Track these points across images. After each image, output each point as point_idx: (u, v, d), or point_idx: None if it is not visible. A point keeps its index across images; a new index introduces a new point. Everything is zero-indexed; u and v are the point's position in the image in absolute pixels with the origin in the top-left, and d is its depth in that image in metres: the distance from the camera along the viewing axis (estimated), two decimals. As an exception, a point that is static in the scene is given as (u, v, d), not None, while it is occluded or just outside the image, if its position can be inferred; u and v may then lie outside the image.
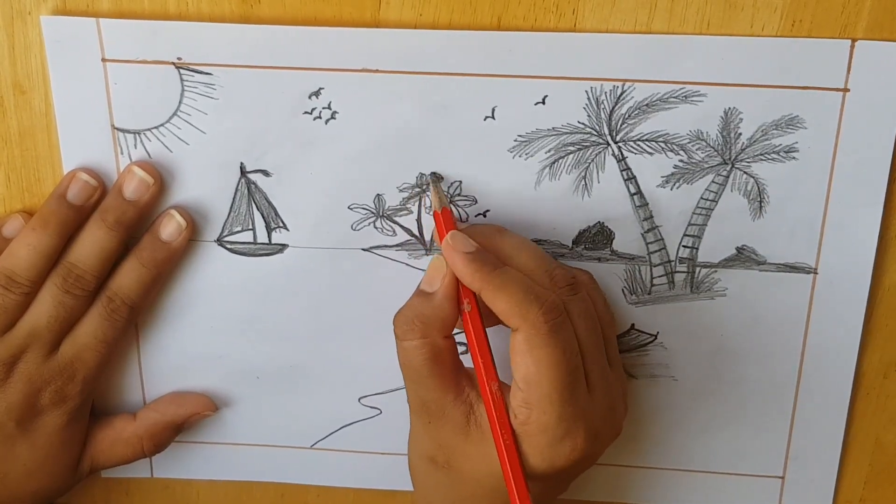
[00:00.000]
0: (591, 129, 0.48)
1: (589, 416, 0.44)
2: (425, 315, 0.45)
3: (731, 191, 0.49)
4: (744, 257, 0.50)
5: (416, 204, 0.50)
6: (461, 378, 0.46)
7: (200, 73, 0.47)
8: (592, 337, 0.45)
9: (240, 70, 0.47)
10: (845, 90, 0.46)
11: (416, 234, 0.50)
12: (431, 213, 0.48)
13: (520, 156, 0.48)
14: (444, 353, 0.45)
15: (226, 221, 0.50)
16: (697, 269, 0.51)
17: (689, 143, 0.48)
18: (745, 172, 0.48)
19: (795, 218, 0.49)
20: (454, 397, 0.45)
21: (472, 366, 0.46)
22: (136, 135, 0.48)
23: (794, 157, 0.48)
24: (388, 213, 0.50)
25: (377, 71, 0.47)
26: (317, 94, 0.47)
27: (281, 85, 0.47)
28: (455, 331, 0.46)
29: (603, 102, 0.47)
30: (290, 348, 0.53)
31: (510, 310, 0.43)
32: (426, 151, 0.48)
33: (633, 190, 0.49)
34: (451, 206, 0.49)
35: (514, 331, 0.43)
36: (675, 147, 0.48)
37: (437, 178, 0.48)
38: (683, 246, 0.50)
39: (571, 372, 0.43)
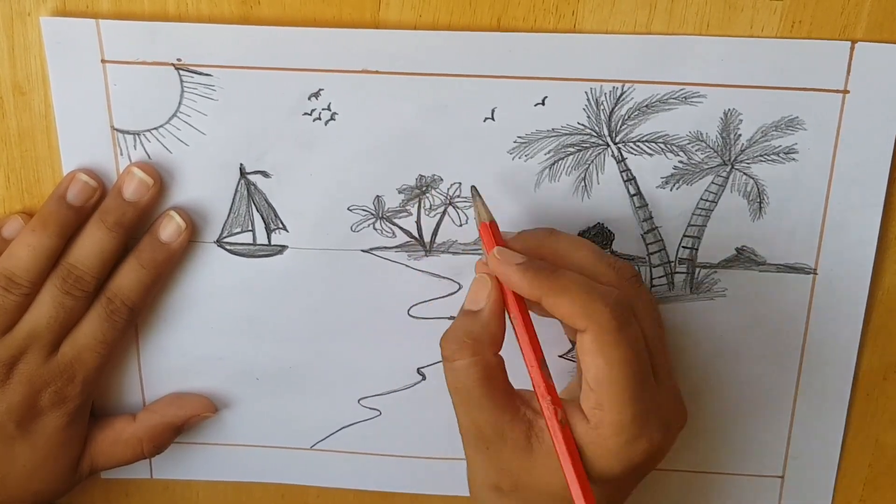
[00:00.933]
0: (591, 130, 0.48)
1: (660, 409, 0.43)
2: (475, 333, 0.44)
3: (731, 192, 0.49)
4: (743, 258, 0.50)
5: (416, 205, 0.50)
6: (514, 398, 0.45)
7: (200, 74, 0.47)
8: (657, 328, 0.44)
9: (239, 71, 0.47)
10: (845, 91, 0.46)
11: (416, 235, 0.50)
12: (477, 225, 0.47)
13: (519, 157, 0.48)
14: (497, 372, 0.44)
15: (225, 222, 0.50)
16: (697, 269, 0.51)
17: (688, 144, 0.48)
18: (744, 173, 0.48)
19: (795, 219, 0.49)
20: (511, 417, 0.44)
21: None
22: (136, 136, 0.48)
23: (793, 159, 0.48)
24: (388, 214, 0.50)
25: (377, 72, 0.47)
26: (316, 95, 0.47)
27: (280, 86, 0.47)
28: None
29: (603, 103, 0.47)
30: (289, 349, 0.53)
31: (574, 311, 0.42)
32: (426, 153, 0.48)
33: (632, 191, 0.49)
34: (494, 218, 0.47)
35: (580, 332, 0.42)
36: (674, 148, 0.48)
37: (476, 190, 0.47)
38: (683, 247, 0.50)
39: (643, 369, 0.42)
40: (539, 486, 0.45)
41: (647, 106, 0.47)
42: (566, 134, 0.48)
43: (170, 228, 0.49)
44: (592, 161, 0.48)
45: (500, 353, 0.45)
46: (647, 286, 0.49)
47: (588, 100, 0.47)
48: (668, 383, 0.45)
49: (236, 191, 0.50)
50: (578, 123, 0.48)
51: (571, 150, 0.48)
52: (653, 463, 0.45)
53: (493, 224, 0.46)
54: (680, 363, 0.53)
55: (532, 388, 0.44)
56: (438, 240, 0.50)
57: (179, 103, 0.48)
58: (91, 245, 0.48)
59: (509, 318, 0.45)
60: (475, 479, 0.47)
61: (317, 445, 0.56)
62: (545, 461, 0.44)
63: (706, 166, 0.48)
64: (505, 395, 0.44)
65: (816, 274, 0.50)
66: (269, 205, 0.50)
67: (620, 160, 0.48)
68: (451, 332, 0.44)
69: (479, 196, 0.47)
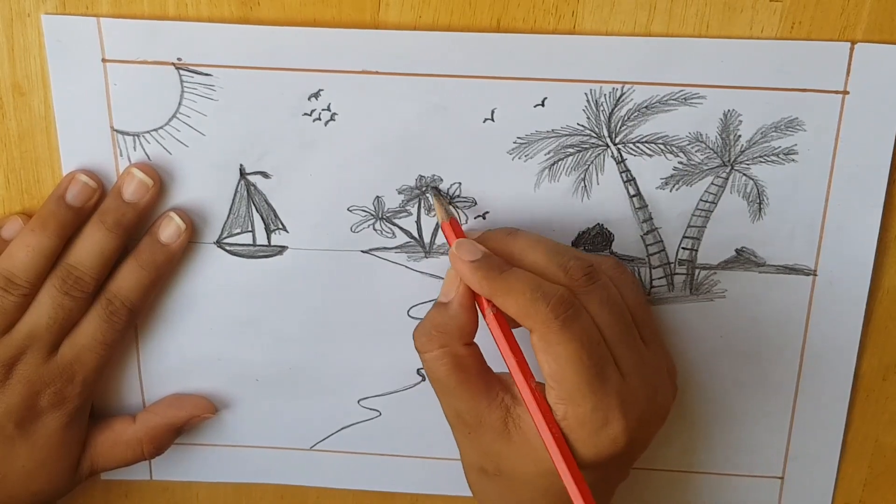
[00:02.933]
0: (591, 130, 0.48)
1: (627, 402, 0.43)
2: (442, 324, 0.45)
3: (731, 193, 0.49)
4: (743, 259, 0.50)
5: (416, 206, 0.50)
6: (492, 383, 0.46)
7: (200, 73, 0.47)
8: (618, 323, 0.44)
9: (239, 71, 0.47)
10: (845, 92, 0.46)
11: (416, 236, 0.50)
12: (439, 224, 0.48)
13: (519, 158, 0.48)
14: (467, 361, 0.45)
15: (225, 223, 0.50)
16: (697, 270, 0.51)
17: (688, 144, 0.48)
18: (744, 174, 0.48)
19: (795, 220, 0.49)
20: (487, 403, 0.45)
21: (502, 371, 0.46)
22: (136, 137, 0.48)
23: (793, 160, 0.48)
24: (388, 214, 0.50)
25: (377, 72, 0.47)
26: (316, 95, 0.47)
27: (280, 86, 0.47)
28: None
29: (602, 104, 0.47)
30: (289, 350, 0.53)
31: (519, 311, 0.43)
32: (426, 153, 0.48)
33: (632, 192, 0.49)
34: (456, 212, 0.49)
35: (530, 331, 0.43)
36: (674, 149, 0.48)
37: (437, 190, 0.48)
38: (683, 248, 0.50)
39: (596, 362, 0.43)
40: (518, 469, 0.45)
41: (646, 107, 0.47)
42: (566, 135, 0.48)
43: (169, 229, 0.49)
44: (592, 162, 0.48)
45: (477, 340, 0.46)
46: (622, 272, 0.48)
47: (588, 101, 0.47)
48: (640, 376, 0.45)
49: (236, 191, 0.50)
50: (578, 124, 0.48)
51: (571, 150, 0.48)
52: (628, 454, 0.45)
53: (453, 221, 0.47)
54: (679, 364, 0.52)
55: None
56: (438, 241, 0.50)
57: (179, 103, 0.48)
58: (90, 246, 0.48)
59: (479, 309, 0.46)
60: (464, 460, 0.48)
61: (316, 446, 0.56)
62: (522, 446, 0.45)
63: (706, 167, 0.48)
64: (480, 381, 0.45)
65: (816, 275, 0.50)
66: (269, 205, 0.50)
67: (620, 161, 0.48)
68: (421, 324, 0.46)
69: (439, 196, 0.48)
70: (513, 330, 0.45)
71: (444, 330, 0.45)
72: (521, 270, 0.44)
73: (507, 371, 0.45)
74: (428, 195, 0.49)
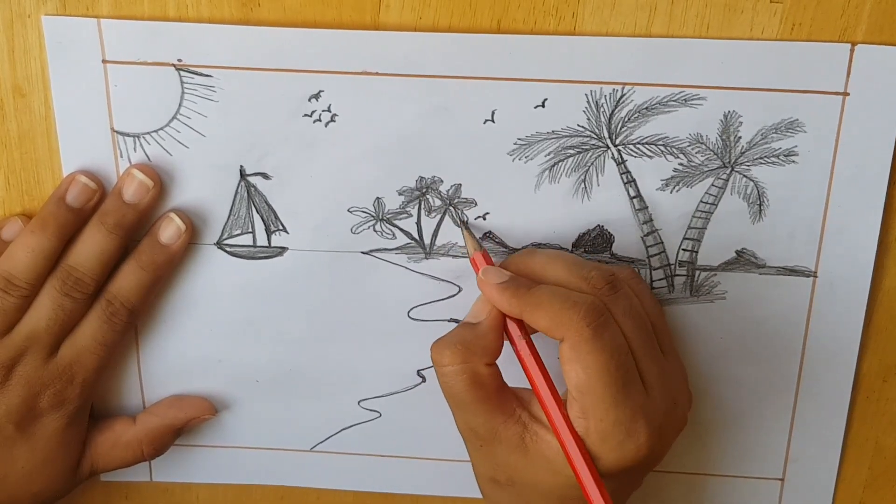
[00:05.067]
0: (591, 132, 0.48)
1: (649, 414, 0.43)
2: (467, 340, 0.45)
3: (731, 194, 0.49)
4: (743, 261, 0.50)
5: (416, 207, 0.50)
6: (508, 399, 0.46)
7: (200, 74, 0.47)
8: (641, 333, 0.45)
9: (240, 72, 0.47)
10: (845, 94, 0.46)
11: (416, 237, 0.50)
12: (468, 258, 0.48)
13: (519, 159, 0.48)
14: (486, 379, 0.45)
15: (225, 224, 0.50)
16: (697, 272, 0.51)
17: (688, 146, 0.48)
18: (744, 176, 0.48)
19: (795, 221, 0.49)
20: (504, 420, 0.45)
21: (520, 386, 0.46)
22: (136, 138, 0.48)
23: (793, 161, 0.48)
24: (388, 216, 0.50)
25: (377, 74, 0.47)
26: (316, 96, 0.47)
27: (281, 87, 0.47)
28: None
29: (603, 106, 0.47)
30: (289, 351, 0.53)
31: (551, 322, 0.43)
32: (426, 154, 0.48)
33: (632, 193, 0.49)
34: (482, 246, 0.49)
35: (560, 342, 0.43)
36: (674, 150, 0.48)
37: (466, 224, 0.49)
38: (683, 249, 0.50)
39: (624, 373, 0.43)
40: (533, 483, 0.45)
41: (647, 108, 0.47)
42: (566, 136, 0.48)
43: (170, 230, 0.49)
44: (592, 163, 0.48)
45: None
46: (639, 281, 0.49)
47: (588, 102, 0.47)
48: (661, 388, 0.45)
49: (236, 192, 0.50)
50: (578, 125, 0.48)
51: (571, 152, 0.48)
52: (649, 462, 0.45)
53: (483, 254, 0.48)
54: (680, 366, 0.53)
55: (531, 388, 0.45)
56: (438, 242, 0.50)
57: (179, 105, 0.48)
58: (91, 247, 0.48)
59: (508, 336, 0.46)
60: (476, 469, 0.48)
61: (317, 447, 0.56)
62: (538, 459, 0.45)
63: (706, 168, 0.48)
64: (497, 397, 0.45)
65: (816, 276, 0.50)
66: (270, 206, 0.50)
67: (620, 162, 0.48)
68: (445, 338, 0.46)
69: (468, 229, 0.49)
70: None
71: (469, 346, 0.45)
72: (548, 285, 0.45)
73: (523, 387, 0.46)
74: (461, 228, 0.49)
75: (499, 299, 0.45)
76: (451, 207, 0.49)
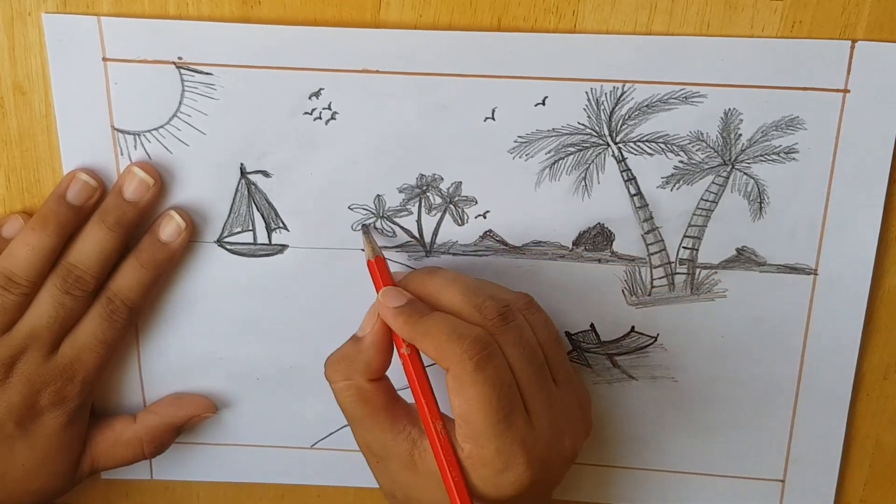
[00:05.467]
0: (591, 130, 0.48)
1: (529, 446, 0.44)
2: (350, 357, 0.46)
3: (732, 192, 0.49)
4: (744, 258, 0.50)
5: (416, 205, 0.50)
6: (399, 416, 0.46)
7: (201, 72, 0.47)
8: (530, 364, 0.45)
9: (240, 70, 0.47)
10: (845, 91, 0.46)
11: (416, 235, 0.50)
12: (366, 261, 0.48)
13: (520, 157, 0.48)
14: (372, 395, 0.46)
15: (226, 222, 0.50)
16: (698, 270, 0.51)
17: (689, 143, 0.48)
18: (745, 173, 0.48)
19: (796, 219, 0.49)
20: (393, 436, 0.46)
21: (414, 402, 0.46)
22: (136, 136, 0.48)
23: (794, 158, 0.48)
24: (388, 213, 0.50)
25: (377, 71, 0.47)
26: (317, 94, 0.47)
27: (281, 85, 0.47)
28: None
29: (603, 103, 0.47)
30: (290, 349, 0.53)
31: (436, 353, 0.44)
32: (426, 152, 0.48)
33: (633, 191, 0.49)
34: (383, 252, 0.49)
35: (446, 371, 0.44)
36: (675, 148, 0.48)
37: (367, 228, 0.49)
38: (683, 247, 0.50)
39: (506, 405, 0.43)
40: (426, 500, 0.46)
41: (647, 106, 0.47)
42: (566, 134, 0.48)
43: (170, 228, 0.49)
44: (593, 161, 0.48)
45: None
46: (534, 311, 0.47)
47: (588, 100, 0.47)
48: (547, 419, 0.45)
49: (237, 190, 0.50)
50: (579, 123, 0.48)
51: (572, 149, 0.48)
52: (531, 494, 0.45)
53: (378, 260, 0.48)
54: (680, 364, 0.53)
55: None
56: (439, 240, 0.50)
57: (180, 103, 0.48)
58: (91, 245, 0.48)
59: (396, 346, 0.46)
60: (379, 485, 0.49)
61: (317, 444, 0.56)
62: (428, 478, 0.45)
63: (706, 166, 0.48)
64: (387, 414, 0.46)
65: (817, 274, 0.50)
66: (270, 204, 0.50)
67: (621, 160, 0.48)
68: (334, 354, 0.47)
69: (369, 233, 0.49)
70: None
71: (350, 363, 0.46)
72: (442, 314, 0.45)
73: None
74: (362, 230, 0.50)
75: (393, 323, 0.45)
76: (451, 205, 0.49)
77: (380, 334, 0.46)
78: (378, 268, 0.47)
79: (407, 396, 0.47)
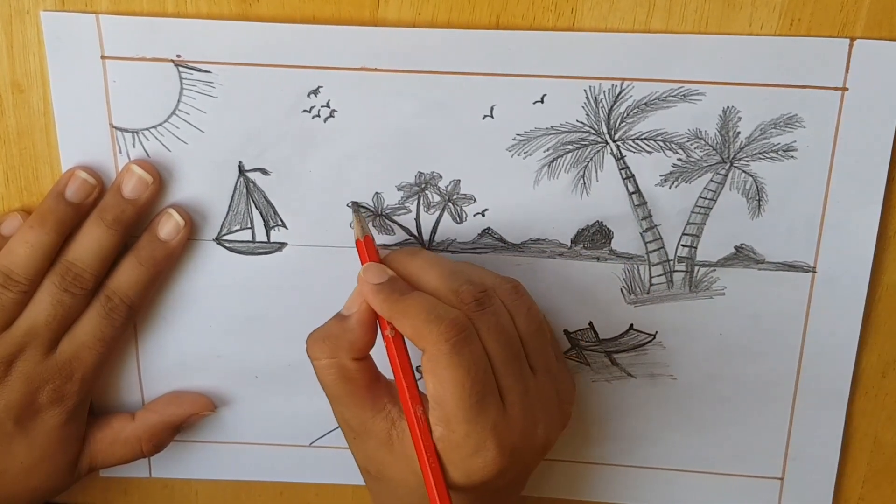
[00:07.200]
0: (590, 127, 0.48)
1: (500, 433, 0.44)
2: (335, 336, 0.46)
3: (730, 190, 0.49)
4: (742, 256, 0.50)
5: (415, 203, 0.50)
6: (380, 394, 0.46)
7: (199, 70, 0.47)
8: (506, 351, 0.45)
9: (239, 68, 0.47)
10: (844, 89, 0.47)
11: (415, 233, 0.50)
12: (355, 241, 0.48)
13: (518, 154, 0.48)
14: (355, 374, 0.46)
15: (224, 220, 0.50)
16: (696, 268, 0.51)
17: (687, 141, 0.48)
18: (743, 171, 0.48)
19: (794, 217, 0.49)
20: (373, 414, 0.46)
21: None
22: (135, 134, 0.48)
23: (792, 156, 0.48)
24: (387, 211, 0.50)
25: (376, 69, 0.47)
26: (315, 92, 0.47)
27: (280, 83, 0.47)
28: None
29: (601, 101, 0.47)
30: (288, 347, 0.53)
31: (413, 333, 0.44)
32: (425, 150, 0.48)
33: (631, 189, 0.49)
34: (373, 231, 0.49)
35: (422, 353, 0.44)
36: (673, 146, 0.48)
37: (357, 206, 0.49)
38: (682, 245, 0.50)
39: (479, 389, 0.43)
40: (399, 479, 0.46)
41: (645, 104, 0.47)
42: (565, 131, 0.48)
43: (168, 226, 0.49)
44: (591, 159, 0.48)
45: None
46: (517, 297, 0.47)
47: (587, 97, 0.47)
48: (521, 408, 0.45)
49: (235, 188, 0.50)
50: (577, 121, 0.48)
51: (570, 147, 0.48)
52: (502, 481, 0.45)
53: (367, 239, 0.47)
54: (678, 362, 0.53)
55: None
56: (437, 238, 0.50)
57: (178, 100, 0.48)
58: (90, 242, 0.48)
59: (380, 328, 0.46)
60: (354, 459, 0.49)
61: (316, 442, 0.56)
62: (403, 457, 0.45)
63: (705, 164, 0.48)
64: (368, 393, 0.46)
65: (815, 272, 0.50)
66: (269, 202, 0.50)
67: (619, 158, 0.48)
68: (317, 331, 0.46)
69: (359, 213, 0.49)
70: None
71: (335, 342, 0.46)
72: (422, 294, 0.45)
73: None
74: (352, 209, 0.49)
75: (372, 300, 0.45)
76: (450, 203, 0.49)
77: (367, 314, 0.46)
78: (367, 247, 0.47)
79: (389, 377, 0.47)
